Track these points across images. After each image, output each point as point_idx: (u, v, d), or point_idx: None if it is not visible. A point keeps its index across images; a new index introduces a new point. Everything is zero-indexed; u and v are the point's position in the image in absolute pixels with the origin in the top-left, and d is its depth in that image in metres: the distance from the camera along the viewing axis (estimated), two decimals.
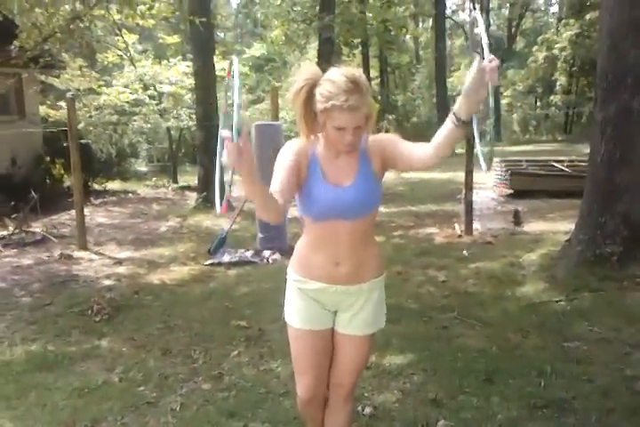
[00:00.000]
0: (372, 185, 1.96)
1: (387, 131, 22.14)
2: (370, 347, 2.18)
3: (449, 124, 1.73)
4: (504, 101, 34.42)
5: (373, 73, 31.45)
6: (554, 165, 10.29)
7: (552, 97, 31.26)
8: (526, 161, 10.95)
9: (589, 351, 3.49)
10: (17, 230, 7.43)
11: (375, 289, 2.09)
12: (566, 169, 9.97)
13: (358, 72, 1.82)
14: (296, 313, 2.09)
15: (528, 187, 9.80)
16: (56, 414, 3.00)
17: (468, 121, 1.71)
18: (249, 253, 6.14)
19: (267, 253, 6.10)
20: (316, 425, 2.31)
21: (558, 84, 30.98)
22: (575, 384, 3.06)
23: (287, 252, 6.00)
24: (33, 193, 7.69)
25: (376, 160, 1.97)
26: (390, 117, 23.21)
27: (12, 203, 7.88)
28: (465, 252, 6.05)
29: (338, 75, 1.80)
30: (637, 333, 3.72)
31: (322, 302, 2.06)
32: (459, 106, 1.70)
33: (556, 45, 28.44)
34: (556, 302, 4.38)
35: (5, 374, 3.48)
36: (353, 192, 1.93)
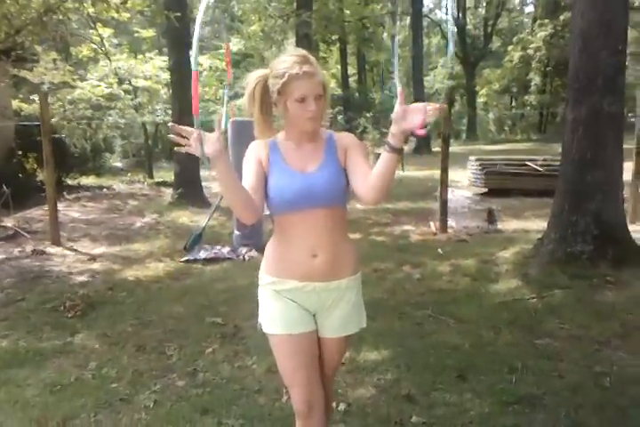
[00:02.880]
0: (338, 171, 1.96)
1: (364, 128, 22.21)
2: (349, 343, 2.20)
3: (384, 153, 1.79)
4: (480, 100, 34.75)
5: (351, 70, 31.60)
6: (528, 165, 10.44)
7: (527, 97, 31.64)
8: (501, 160, 11.09)
9: (560, 348, 3.55)
10: None
11: (353, 288, 2.05)
12: (540, 168, 10.12)
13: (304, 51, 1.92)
14: (275, 319, 2.00)
15: (502, 186, 9.94)
16: (27, 410, 2.96)
17: (400, 148, 1.77)
18: (225, 250, 6.12)
19: (243, 249, 6.09)
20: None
21: (533, 83, 31.36)
22: (546, 380, 3.11)
23: (263, 249, 6.00)
24: (4, 187, 7.57)
25: (341, 152, 1.98)
26: (368, 115, 23.27)
27: None
28: (440, 249, 6.10)
29: (285, 56, 1.89)
30: (606, 330, 3.79)
31: (300, 302, 1.99)
32: (390, 135, 1.76)
33: (531, 45, 28.76)
34: (528, 299, 4.45)
35: None
36: (320, 176, 1.93)
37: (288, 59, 1.86)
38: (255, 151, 1.98)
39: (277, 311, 2.00)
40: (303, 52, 1.89)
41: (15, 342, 3.87)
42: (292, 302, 1.99)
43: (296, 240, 1.96)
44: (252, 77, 1.97)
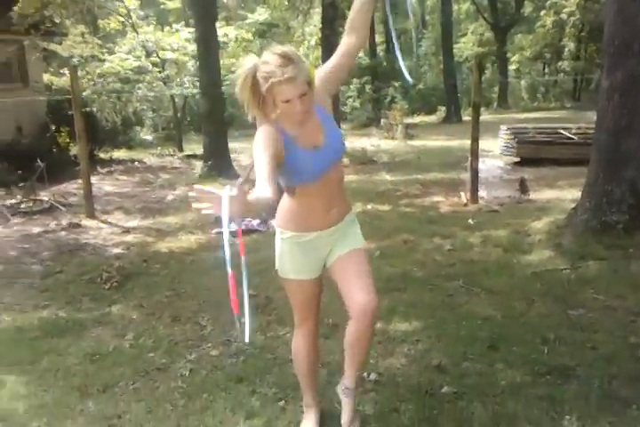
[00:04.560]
0: (337, 129, 2.23)
1: (393, 98, 21.90)
2: (367, 257, 2.35)
3: None
4: (512, 67, 33.89)
5: (379, 39, 30.94)
6: (561, 133, 10.21)
7: (560, 63, 30.70)
8: (533, 128, 10.86)
9: (594, 319, 3.52)
10: (24, 199, 7.47)
11: (352, 219, 2.36)
12: (574, 136, 9.89)
13: (287, 47, 2.01)
14: (296, 267, 2.30)
15: (535, 155, 9.74)
16: (68, 379, 3.08)
17: None
18: (255, 222, 6.16)
19: (273, 221, 6.12)
20: (313, 376, 2.57)
21: (567, 49, 30.40)
22: (579, 351, 3.10)
23: None
24: (39, 162, 7.70)
25: (326, 102, 2.19)
26: (396, 84, 22.90)
27: (19, 172, 7.91)
28: (470, 220, 6.05)
29: (269, 54, 1.97)
30: None
31: (319, 248, 2.27)
32: None
33: (565, 10, 27.75)
34: (562, 270, 4.40)
35: (18, 339, 3.56)
36: (330, 147, 2.14)
37: (271, 59, 1.94)
38: (267, 137, 2.03)
39: (298, 261, 2.29)
40: (285, 50, 1.96)
41: (55, 312, 3.99)
42: (311, 250, 2.27)
43: (317, 202, 2.19)
44: (241, 70, 2.02)
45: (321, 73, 2.16)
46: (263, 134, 2.03)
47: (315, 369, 2.59)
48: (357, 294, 2.16)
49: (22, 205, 7.32)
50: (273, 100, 1.99)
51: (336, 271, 2.28)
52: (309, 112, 2.06)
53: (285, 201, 2.26)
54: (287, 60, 1.93)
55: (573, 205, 5.49)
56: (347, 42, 2.20)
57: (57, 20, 11.37)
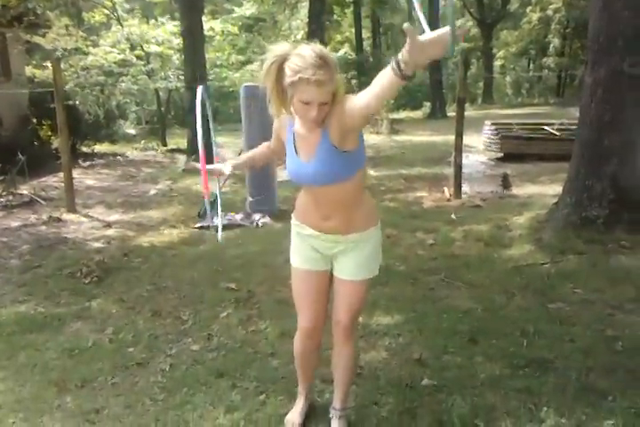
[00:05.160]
0: (332, 158, 1.99)
1: None
2: (365, 290, 2.31)
3: (392, 75, 1.58)
4: (497, 63, 34.05)
5: (365, 33, 30.99)
6: (544, 129, 10.27)
7: (545, 59, 30.96)
8: (517, 124, 10.92)
9: (572, 312, 3.55)
10: (4, 193, 7.39)
11: (366, 240, 2.22)
12: (557, 132, 9.96)
13: (326, 50, 1.89)
14: (296, 254, 2.32)
15: (518, 150, 9.81)
16: (46, 374, 3.04)
17: (411, 77, 1.57)
18: (238, 217, 6.14)
19: (256, 216, 6.11)
20: (307, 371, 2.52)
21: (552, 45, 30.64)
22: (557, 344, 3.13)
23: (277, 215, 6.02)
24: (20, 155, 7.61)
25: (333, 132, 1.96)
26: None
27: None
28: (453, 215, 6.08)
29: (307, 50, 1.85)
30: (620, 294, 3.78)
31: (315, 246, 2.25)
32: (402, 61, 1.54)
33: (550, 6, 27.97)
34: (542, 264, 4.44)
35: None
36: (312, 167, 2.02)
37: (307, 56, 1.83)
38: (278, 128, 2.22)
39: (299, 249, 2.30)
40: (324, 52, 1.85)
41: (34, 307, 3.95)
42: (309, 244, 2.26)
43: (311, 206, 2.19)
44: (271, 55, 1.92)
45: (349, 106, 1.87)
46: (273, 128, 2.26)
47: (309, 366, 2.53)
48: (342, 313, 2.30)
49: (2, 199, 7.24)
50: (292, 96, 1.90)
51: (334, 286, 2.32)
52: (319, 123, 1.96)
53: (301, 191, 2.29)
54: (323, 62, 1.83)
55: (555, 201, 5.53)
56: (367, 104, 1.76)
57: (40, 13, 11.24)
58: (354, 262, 2.23)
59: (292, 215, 2.33)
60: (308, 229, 2.23)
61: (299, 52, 1.86)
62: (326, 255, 2.26)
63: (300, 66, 1.82)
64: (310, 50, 1.84)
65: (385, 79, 1.63)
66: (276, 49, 1.92)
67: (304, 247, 2.28)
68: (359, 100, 1.81)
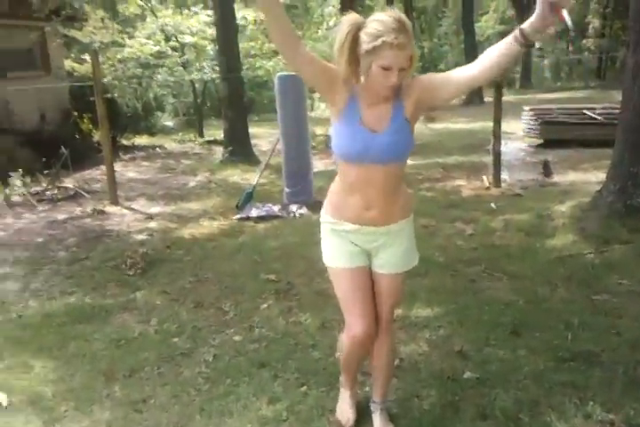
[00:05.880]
0: (405, 131, 2.02)
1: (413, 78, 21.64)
2: (403, 282, 2.32)
3: (512, 42, 1.78)
4: (535, 46, 33.30)
5: None
6: (586, 113, 10.01)
7: (585, 41, 30.09)
8: (557, 109, 10.67)
9: (618, 304, 3.49)
10: (50, 186, 7.57)
11: (403, 230, 2.20)
12: (598, 117, 9.70)
13: (402, 14, 1.88)
14: (333, 254, 2.21)
15: (559, 136, 9.58)
16: (95, 363, 3.14)
17: (532, 44, 1.79)
18: (276, 208, 6.18)
19: (293, 207, 6.14)
20: (356, 369, 2.48)
21: (591, 26, 29.76)
22: (603, 337, 3.08)
23: (313, 206, 6.03)
24: (63, 149, 7.78)
25: (409, 105, 2.01)
26: (417, 65, 22.65)
27: (44, 159, 7.99)
28: (493, 204, 6.00)
29: (384, 15, 1.86)
30: None
31: (354, 241, 2.17)
32: (530, 27, 1.74)
33: None
34: (586, 254, 4.36)
35: (46, 325, 3.63)
36: (387, 138, 1.99)
37: (387, 20, 1.83)
38: (335, 76, 1.98)
39: (335, 247, 2.21)
40: (402, 17, 1.86)
41: (81, 298, 4.06)
42: (347, 240, 2.18)
43: (354, 190, 2.09)
44: (345, 24, 1.91)
45: (433, 79, 2.00)
46: (327, 66, 1.98)
47: (359, 367, 2.49)
48: (384, 307, 2.28)
49: (47, 193, 7.42)
50: (369, 63, 1.87)
51: (375, 282, 2.26)
52: (395, 90, 1.95)
53: (334, 182, 2.20)
54: (402, 25, 1.83)
55: (598, 188, 5.40)
56: (474, 75, 1.90)
57: (76, 6, 11.39)
58: (394, 255, 2.21)
59: (324, 214, 2.23)
60: (345, 224, 2.14)
61: (376, 18, 1.86)
62: (365, 250, 2.20)
63: (381, 30, 1.82)
64: (388, 15, 1.85)
65: (504, 49, 1.81)
66: (347, 18, 1.92)
67: (343, 243, 2.18)
68: (461, 73, 1.92)
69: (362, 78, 1.98)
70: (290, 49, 1.91)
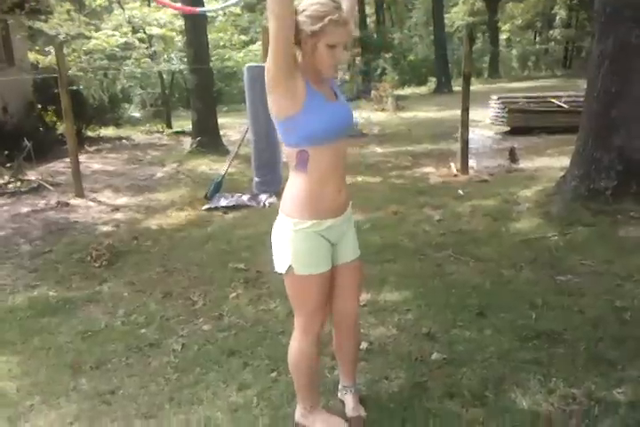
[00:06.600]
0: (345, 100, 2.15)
1: (383, 69, 21.71)
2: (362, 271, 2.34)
3: None
4: (503, 37, 33.57)
5: (369, 9, 30.56)
6: (552, 101, 10.15)
7: (551, 31, 30.50)
8: (524, 97, 10.79)
9: (581, 284, 3.56)
10: (12, 179, 7.42)
11: (350, 211, 2.22)
12: (563, 105, 9.84)
13: None
14: (311, 261, 2.07)
15: (525, 124, 9.72)
16: (61, 356, 3.09)
17: None
18: (245, 197, 6.15)
19: (263, 196, 6.12)
20: (315, 372, 2.32)
21: (558, 17, 30.16)
22: (566, 316, 3.13)
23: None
24: (26, 141, 7.62)
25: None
26: (387, 56, 22.69)
27: (6, 152, 7.83)
28: (460, 190, 6.06)
29: None
30: (628, 265, 3.77)
31: (329, 237, 2.10)
32: None
33: None
34: (550, 237, 4.43)
35: (9, 319, 3.57)
36: (345, 106, 2.09)
37: (326, 2, 1.88)
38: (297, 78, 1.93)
39: (314, 252, 2.07)
40: None
41: (45, 292, 3.99)
42: (325, 240, 2.09)
43: (328, 180, 2.03)
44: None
45: None
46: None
47: (317, 376, 2.38)
48: (351, 302, 2.29)
49: (10, 186, 7.27)
50: (315, 44, 1.89)
51: (339, 275, 2.20)
52: (337, 68, 2.02)
53: (296, 184, 2.04)
54: (339, 4, 1.91)
55: (562, 173, 5.49)
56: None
57: None
58: (353, 240, 2.22)
59: (298, 219, 2.03)
60: (326, 221, 2.05)
61: (312, 1, 1.89)
62: (333, 245, 2.13)
63: (324, 11, 1.86)
64: None
65: None
66: None
67: (321, 245, 2.07)
68: None
69: (299, 60, 1.98)
70: (292, 24, 1.84)
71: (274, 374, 2.76)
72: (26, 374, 2.92)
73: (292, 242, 2.06)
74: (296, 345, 2.23)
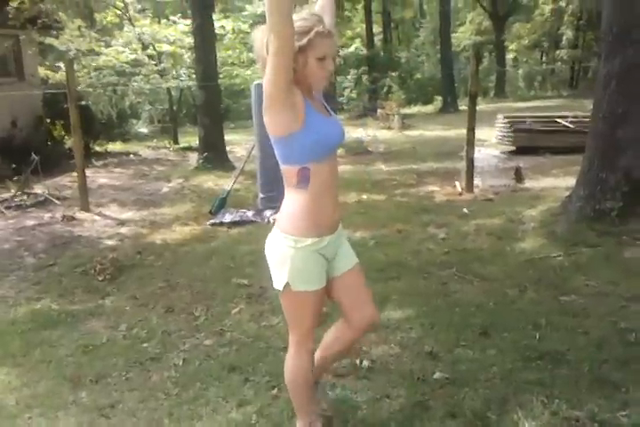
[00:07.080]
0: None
1: (390, 88, 21.82)
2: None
3: None
4: (509, 56, 33.77)
5: (376, 28, 30.83)
6: (557, 121, 10.17)
7: (558, 51, 30.62)
8: (530, 117, 10.82)
9: (585, 305, 3.53)
10: (19, 192, 7.46)
11: (341, 229, 2.23)
12: (570, 125, 9.86)
13: None
14: (310, 277, 2.08)
15: (531, 143, 9.73)
16: (61, 369, 3.08)
17: None
18: (250, 213, 6.16)
19: (268, 212, 6.12)
20: (311, 387, 2.33)
21: (565, 38, 30.31)
22: (570, 337, 3.11)
23: None
24: (34, 155, 7.68)
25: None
26: (393, 74, 22.83)
27: (14, 165, 7.89)
28: (465, 209, 6.05)
29: (301, 14, 1.93)
30: (633, 286, 3.74)
31: (326, 254, 2.10)
32: None
33: None
34: (555, 257, 4.41)
35: (11, 332, 3.56)
36: (338, 121, 2.13)
37: (307, 16, 1.92)
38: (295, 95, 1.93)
39: (313, 269, 2.08)
40: (313, 12, 2.00)
41: (48, 304, 3.99)
42: (322, 258, 2.09)
43: (325, 195, 2.03)
44: (258, 35, 1.95)
45: None
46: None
47: (314, 391, 2.38)
48: (368, 308, 2.26)
49: (17, 199, 7.31)
50: (305, 59, 1.90)
51: (344, 285, 2.20)
52: (328, 80, 2.04)
53: (296, 201, 2.03)
54: (321, 17, 1.96)
55: (568, 193, 5.49)
56: None
57: (52, 14, 11.34)
58: (348, 249, 2.25)
59: (298, 237, 2.02)
60: (325, 238, 2.06)
61: (295, 18, 1.84)
62: (330, 262, 2.15)
63: (308, 25, 1.89)
64: (304, 13, 1.94)
65: None
66: (258, 32, 1.96)
67: (319, 262, 2.08)
68: None
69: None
70: (293, 42, 1.84)
71: (274, 391, 2.74)
72: (25, 387, 2.91)
73: (292, 259, 2.04)
74: (293, 362, 2.24)
